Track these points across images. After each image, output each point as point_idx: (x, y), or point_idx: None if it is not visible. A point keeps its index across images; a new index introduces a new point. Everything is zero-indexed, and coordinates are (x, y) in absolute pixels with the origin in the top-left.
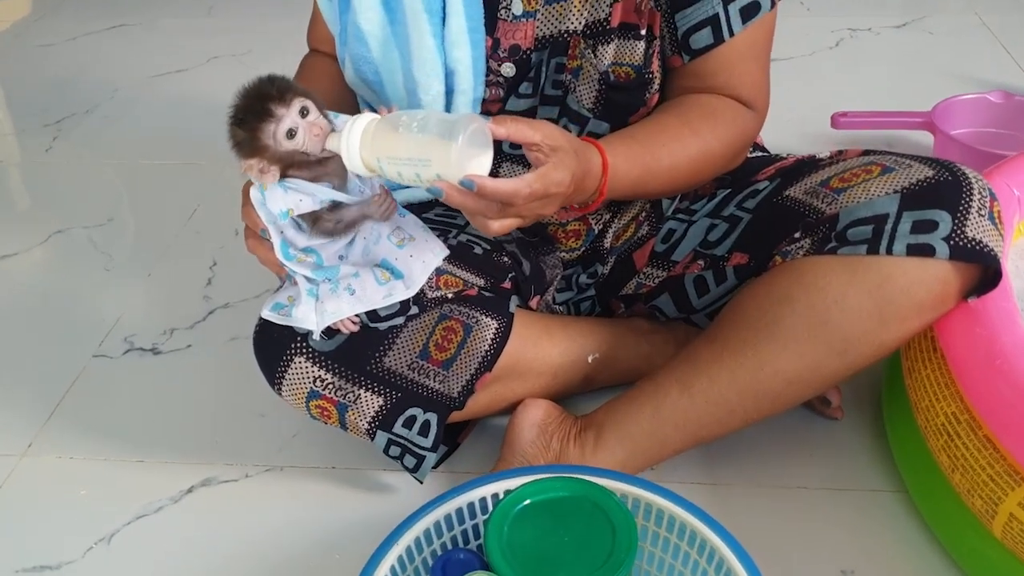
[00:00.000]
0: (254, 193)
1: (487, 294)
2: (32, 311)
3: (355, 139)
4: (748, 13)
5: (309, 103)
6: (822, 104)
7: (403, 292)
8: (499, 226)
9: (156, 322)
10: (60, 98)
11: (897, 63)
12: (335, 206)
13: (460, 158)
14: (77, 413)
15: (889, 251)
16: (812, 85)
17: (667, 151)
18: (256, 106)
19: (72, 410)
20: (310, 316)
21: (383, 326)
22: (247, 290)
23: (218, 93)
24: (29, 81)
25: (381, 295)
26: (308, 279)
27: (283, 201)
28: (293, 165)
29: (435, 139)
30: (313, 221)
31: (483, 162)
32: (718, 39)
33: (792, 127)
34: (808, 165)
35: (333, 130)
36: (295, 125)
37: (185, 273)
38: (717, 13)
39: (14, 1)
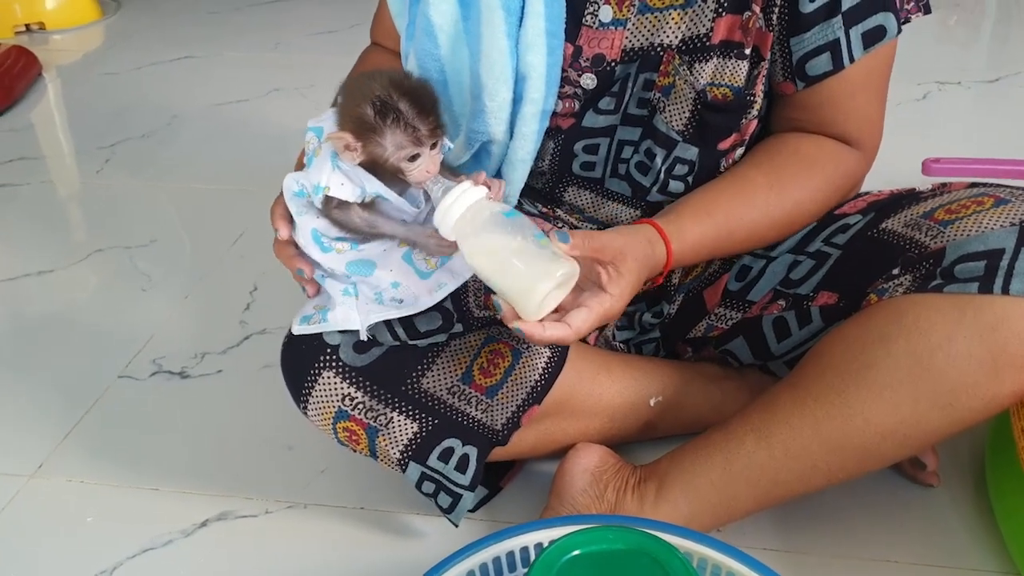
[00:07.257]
0: (287, 182)
1: None
2: (62, 328)
3: (457, 210)
4: (871, 38)
5: (444, 140)
6: (909, 156)
7: (453, 281)
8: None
9: (188, 345)
10: (118, 123)
11: (990, 117)
12: (373, 207)
13: (537, 311)
14: (94, 435)
15: (1005, 290)
16: (897, 137)
17: (745, 224)
18: (412, 112)
19: (90, 431)
20: (351, 315)
21: (423, 343)
22: (287, 317)
23: (278, 123)
24: (91, 107)
25: (428, 289)
26: (340, 280)
27: (326, 176)
28: (376, 166)
29: (523, 275)
30: (341, 225)
31: (557, 296)
32: (837, 66)
33: (877, 177)
34: (907, 198)
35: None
36: (421, 154)
37: (224, 297)
38: (838, 38)
39: (88, 33)
